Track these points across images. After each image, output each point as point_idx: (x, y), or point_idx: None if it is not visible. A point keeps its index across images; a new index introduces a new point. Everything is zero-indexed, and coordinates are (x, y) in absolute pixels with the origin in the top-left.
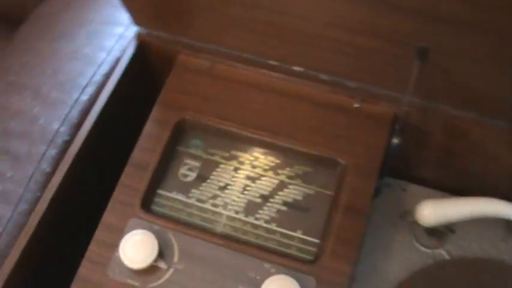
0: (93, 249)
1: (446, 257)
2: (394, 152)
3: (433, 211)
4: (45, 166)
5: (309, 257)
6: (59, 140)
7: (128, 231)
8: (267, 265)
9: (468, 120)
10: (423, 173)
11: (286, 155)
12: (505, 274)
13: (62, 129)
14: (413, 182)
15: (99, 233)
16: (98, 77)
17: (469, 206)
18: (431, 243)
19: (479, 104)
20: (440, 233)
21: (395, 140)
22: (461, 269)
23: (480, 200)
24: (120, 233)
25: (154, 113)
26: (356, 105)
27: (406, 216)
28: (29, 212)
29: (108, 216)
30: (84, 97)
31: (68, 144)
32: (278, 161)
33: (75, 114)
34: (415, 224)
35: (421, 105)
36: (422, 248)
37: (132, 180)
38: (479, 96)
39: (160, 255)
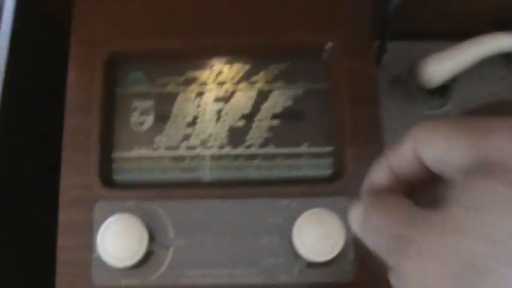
0: (62, 259)
1: (455, 111)
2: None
3: (439, 65)
4: None
5: (328, 172)
6: None
7: (99, 223)
8: (284, 202)
9: None
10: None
11: (254, 55)
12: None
13: None
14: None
15: (62, 239)
16: None
17: (471, 48)
18: (436, 103)
19: None
20: (442, 88)
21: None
22: None
23: (480, 39)
24: (89, 229)
25: (73, 59)
26: None
27: (401, 80)
28: None
29: (65, 213)
30: None
31: None
32: (247, 67)
33: None
34: (413, 86)
35: None
36: (428, 111)
37: (76, 155)
38: None
39: (151, 237)
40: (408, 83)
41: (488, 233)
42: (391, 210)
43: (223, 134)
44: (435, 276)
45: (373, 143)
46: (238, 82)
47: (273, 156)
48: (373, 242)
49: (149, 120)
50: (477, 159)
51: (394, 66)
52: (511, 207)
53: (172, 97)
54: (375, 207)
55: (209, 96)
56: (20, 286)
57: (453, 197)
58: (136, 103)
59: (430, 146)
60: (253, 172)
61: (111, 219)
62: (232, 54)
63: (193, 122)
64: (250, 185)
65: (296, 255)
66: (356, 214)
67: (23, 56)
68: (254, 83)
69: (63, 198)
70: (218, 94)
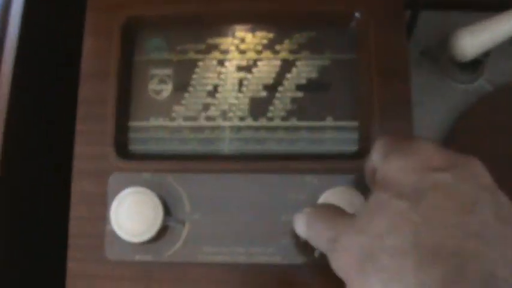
0: (74, 231)
1: (487, 87)
2: None
3: (473, 38)
4: None
5: (354, 148)
6: None
7: (113, 195)
8: (307, 178)
9: None
10: None
11: (279, 23)
12: None
13: None
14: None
15: (75, 210)
16: None
17: (509, 21)
18: (467, 78)
19: None
20: (474, 63)
21: None
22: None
23: None
24: (102, 201)
25: (89, 24)
26: None
27: (432, 53)
28: None
29: (78, 183)
30: None
31: None
32: (272, 35)
33: None
34: (444, 59)
35: None
36: (460, 85)
37: (90, 124)
38: None
39: (167, 211)
40: (439, 56)
41: (372, 230)
42: (323, 219)
43: (245, 105)
44: (347, 263)
45: (402, 118)
46: (261, 51)
47: (296, 130)
48: (314, 242)
49: (168, 88)
50: (381, 175)
51: (424, 37)
52: (386, 209)
53: (192, 65)
54: (316, 216)
55: (231, 65)
56: (31, 259)
57: (364, 204)
58: (155, 71)
59: (369, 159)
60: (274, 145)
61: (125, 191)
62: (255, 21)
63: (213, 92)
64: (271, 159)
65: None
66: (300, 220)
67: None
68: (278, 52)
69: (76, 168)
70: (240, 63)
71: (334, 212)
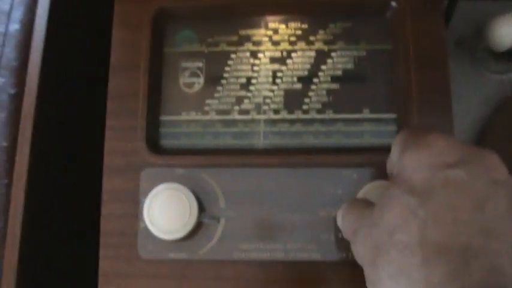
0: (106, 228)
1: None
2: None
3: (510, 27)
4: None
5: (391, 141)
6: (3, 97)
7: (145, 191)
8: (345, 172)
9: None
10: None
11: (313, 13)
12: None
13: (1, 80)
14: None
15: (106, 207)
16: None
17: None
18: (504, 68)
19: None
20: (510, 52)
21: None
22: None
23: None
24: (134, 197)
25: (118, 16)
26: None
27: (467, 42)
28: None
29: (109, 180)
30: (14, 26)
31: (17, 98)
32: (305, 26)
33: (11, 53)
34: (479, 49)
35: None
36: (495, 75)
37: (121, 118)
38: None
39: (201, 207)
40: (474, 46)
41: (383, 224)
42: (352, 211)
43: (279, 98)
44: (363, 254)
45: (441, 110)
46: (295, 42)
47: (332, 122)
48: (345, 234)
49: (199, 81)
50: (398, 170)
51: (460, 26)
52: (397, 204)
53: (224, 57)
54: (348, 209)
55: (264, 57)
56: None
57: (380, 197)
58: (186, 63)
59: (392, 153)
60: (310, 139)
61: (159, 188)
62: (290, 12)
63: (246, 84)
64: (307, 153)
65: None
66: (339, 215)
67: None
68: (312, 43)
69: (107, 164)
70: (273, 55)
71: (362, 205)
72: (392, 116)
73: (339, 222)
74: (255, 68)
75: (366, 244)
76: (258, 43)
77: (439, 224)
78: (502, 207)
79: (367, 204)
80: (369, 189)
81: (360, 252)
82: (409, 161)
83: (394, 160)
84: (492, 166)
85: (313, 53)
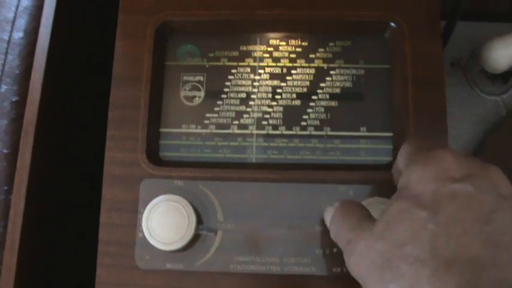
0: (104, 237)
1: None
2: None
3: (506, 49)
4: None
5: (388, 158)
6: (5, 104)
7: (144, 201)
8: (341, 188)
9: None
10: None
11: (313, 31)
12: None
13: (4, 87)
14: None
15: (105, 216)
16: (26, 2)
17: None
18: (499, 89)
19: None
20: (505, 74)
21: None
22: None
23: None
24: (133, 207)
25: (121, 27)
26: None
27: (463, 63)
28: None
29: (109, 189)
30: (18, 34)
31: (19, 106)
32: (306, 43)
33: (14, 61)
34: (474, 70)
35: None
36: (490, 97)
37: (122, 129)
38: None
39: (199, 219)
40: (469, 67)
41: (391, 237)
42: (346, 219)
43: (278, 114)
44: (365, 268)
45: (437, 129)
46: (295, 59)
47: (330, 139)
48: (334, 237)
49: (200, 95)
50: (402, 183)
51: (455, 47)
52: (406, 218)
53: (225, 72)
54: (340, 213)
55: (264, 73)
56: (62, 264)
57: (385, 210)
58: (187, 77)
59: (397, 161)
60: (308, 155)
61: (158, 199)
62: (290, 29)
63: (246, 100)
64: (305, 168)
65: None
66: (328, 213)
67: (69, 27)
68: (312, 60)
69: (107, 174)
70: (274, 71)
71: (358, 213)
72: (389, 134)
73: (327, 222)
74: (255, 84)
75: (369, 259)
76: (258, 59)
77: (449, 237)
78: (508, 219)
79: (363, 213)
80: (365, 206)
81: (360, 267)
82: (417, 176)
83: (400, 168)
84: (497, 181)
85: (312, 71)
